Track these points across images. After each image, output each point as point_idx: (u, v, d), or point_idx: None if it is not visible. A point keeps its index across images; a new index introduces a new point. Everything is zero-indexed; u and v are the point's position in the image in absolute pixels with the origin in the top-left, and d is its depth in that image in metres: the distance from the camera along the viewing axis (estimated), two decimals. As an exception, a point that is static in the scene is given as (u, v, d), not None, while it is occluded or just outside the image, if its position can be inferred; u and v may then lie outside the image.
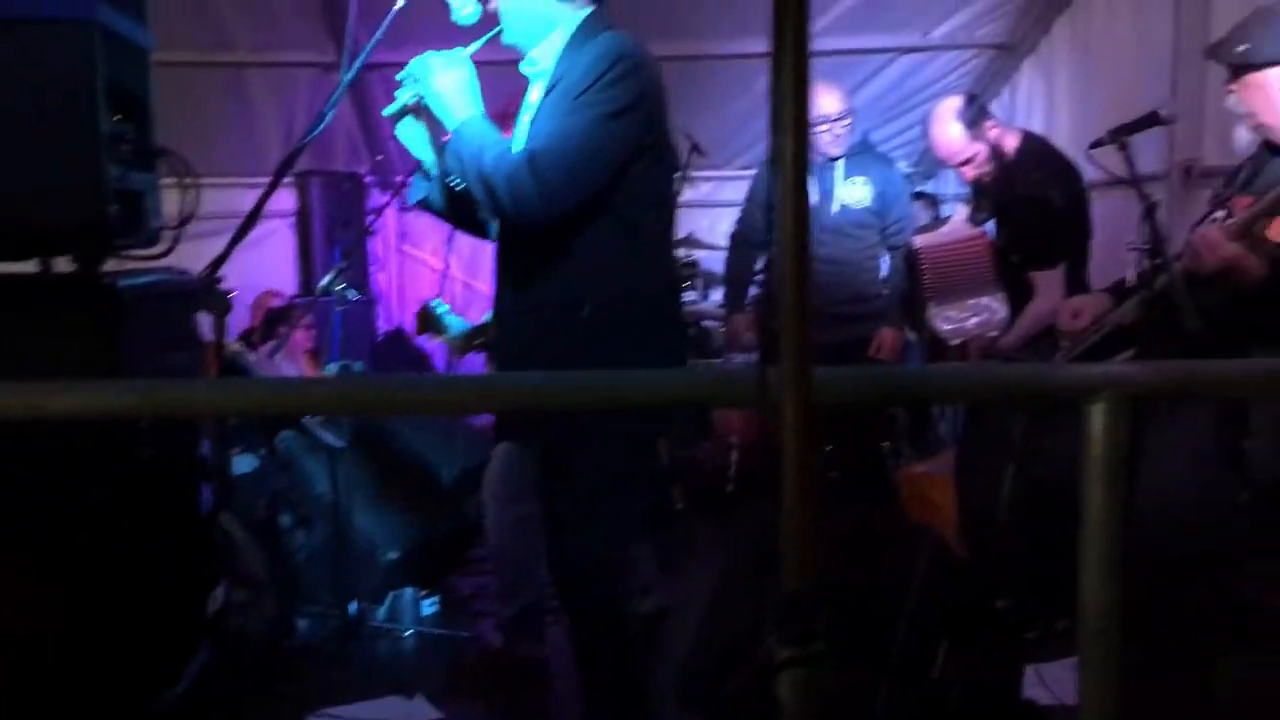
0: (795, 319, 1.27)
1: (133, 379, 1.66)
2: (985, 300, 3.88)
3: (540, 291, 2.38)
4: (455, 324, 3.38)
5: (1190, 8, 3.95)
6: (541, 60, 2.44)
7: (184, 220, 1.91)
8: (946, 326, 3.93)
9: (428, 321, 3.34)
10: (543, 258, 2.36)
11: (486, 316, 3.27)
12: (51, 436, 1.68)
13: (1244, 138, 2.59)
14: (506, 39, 2.46)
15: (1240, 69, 2.46)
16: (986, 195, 3.93)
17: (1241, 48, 2.45)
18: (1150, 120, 2.69)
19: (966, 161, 3.80)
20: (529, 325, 2.40)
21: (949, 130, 3.79)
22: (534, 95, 2.47)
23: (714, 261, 5.21)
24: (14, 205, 1.71)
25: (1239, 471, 2.29)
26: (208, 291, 2.19)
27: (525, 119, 2.46)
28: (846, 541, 3.93)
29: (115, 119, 1.79)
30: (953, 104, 3.84)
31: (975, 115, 3.78)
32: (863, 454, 4.53)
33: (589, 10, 2.42)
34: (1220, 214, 2.48)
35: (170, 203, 2.23)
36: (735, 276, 4.57)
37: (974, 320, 3.87)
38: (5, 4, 1.68)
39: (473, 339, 3.31)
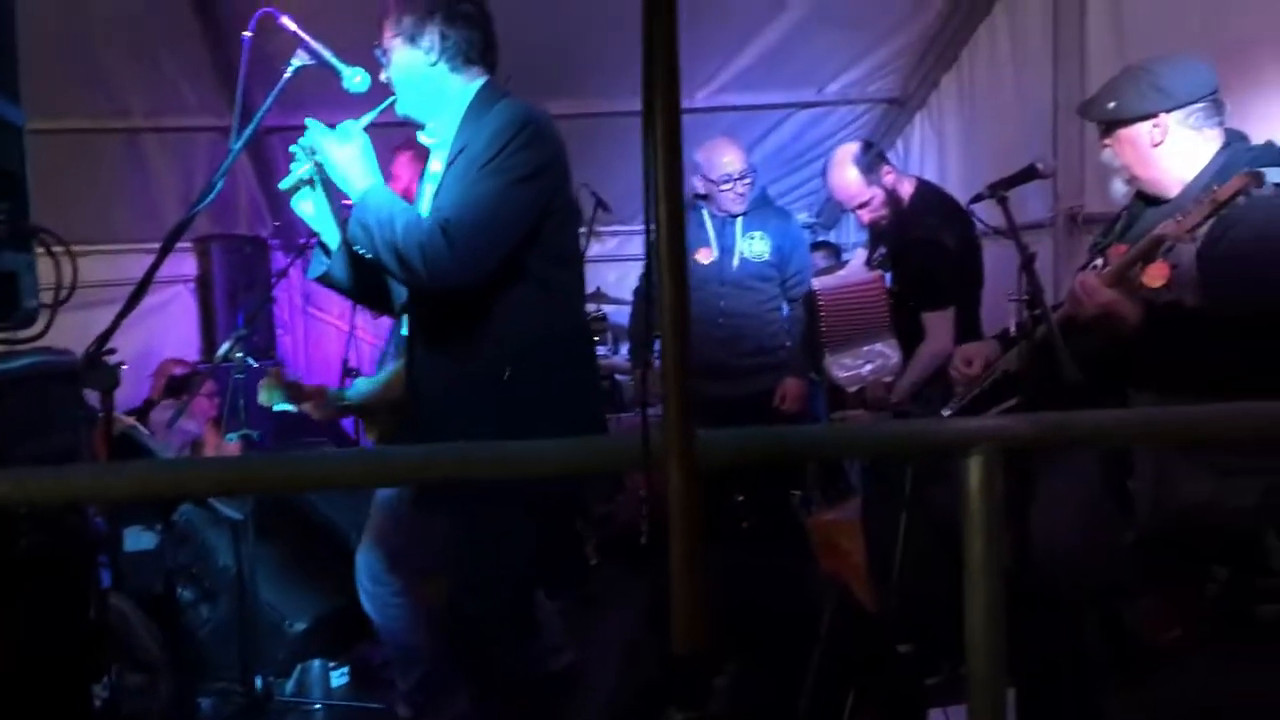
0: (677, 383, 1.29)
1: (4, 467, 1.61)
2: (879, 346, 3.97)
3: (458, 357, 2.38)
4: (362, 387, 3.32)
5: (1066, 64, 4.13)
6: (440, 131, 2.47)
7: (60, 300, 1.87)
8: (843, 374, 4.00)
9: (273, 391, 3.26)
10: (457, 323, 2.37)
11: (375, 380, 3.23)
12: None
13: (1121, 188, 2.68)
14: (401, 110, 2.48)
15: (1111, 125, 2.57)
16: (882, 239, 4.04)
17: (1111, 104, 2.55)
18: (1028, 174, 2.79)
19: (863, 205, 3.92)
20: (449, 391, 2.40)
21: (846, 174, 3.91)
22: (435, 165, 2.50)
23: (622, 315, 5.27)
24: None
25: (1125, 512, 2.36)
26: (92, 367, 2.14)
27: (429, 189, 2.49)
28: (757, 590, 3.96)
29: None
30: (850, 149, 3.96)
31: (872, 160, 3.89)
32: (774, 502, 4.58)
33: (482, 80, 2.46)
34: (1099, 262, 2.57)
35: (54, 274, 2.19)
36: (640, 332, 4.61)
37: (869, 367, 3.95)
38: None
39: (336, 402, 3.24)
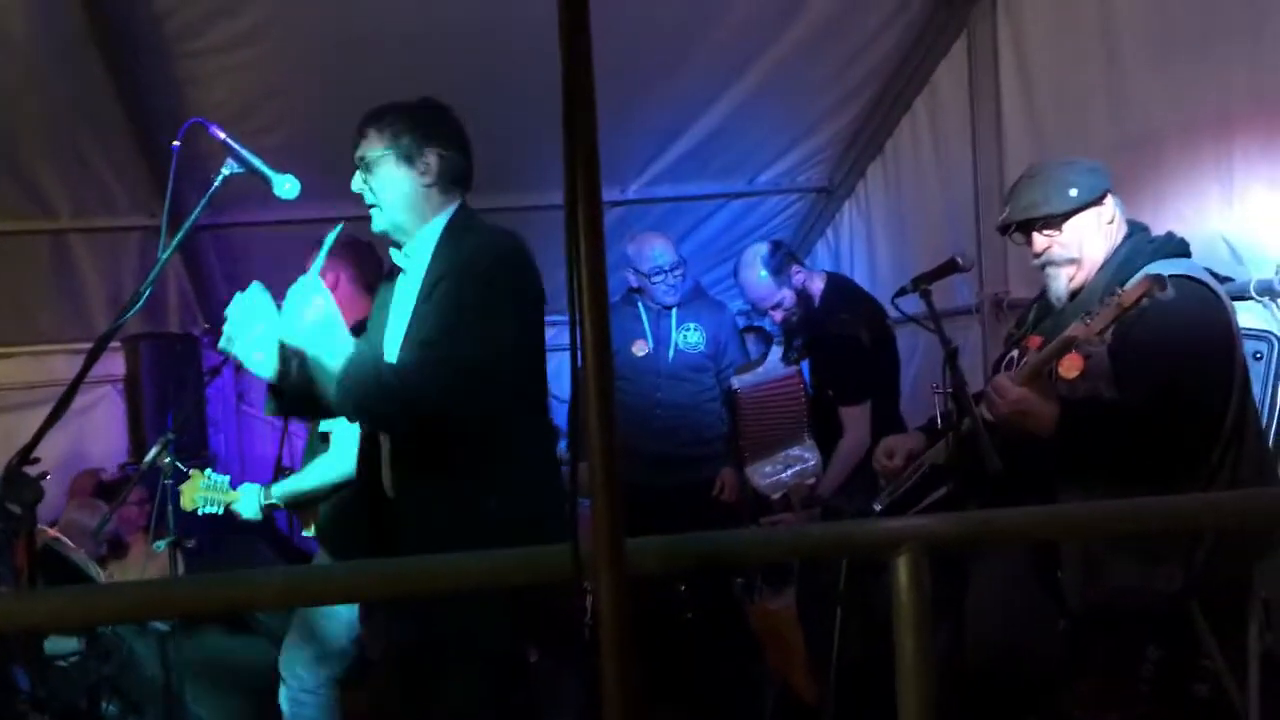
0: (606, 492, 1.29)
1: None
2: (796, 450, 4.02)
3: (440, 486, 2.33)
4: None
5: (985, 154, 4.27)
6: (416, 251, 2.43)
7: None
8: (764, 482, 4.04)
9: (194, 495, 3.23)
10: (440, 452, 2.31)
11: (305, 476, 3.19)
12: None
13: (1064, 283, 2.74)
14: (379, 227, 2.44)
15: (1074, 212, 2.61)
16: (796, 335, 4.11)
17: (1073, 191, 2.58)
18: (949, 268, 2.87)
19: (775, 306, 3.99)
20: (432, 515, 2.32)
21: (755, 276, 3.99)
22: (409, 284, 2.45)
23: (561, 415, 5.23)
24: None
25: (1055, 600, 2.39)
26: (13, 481, 2.10)
27: (402, 309, 2.44)
28: (700, 684, 3.92)
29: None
30: (760, 250, 4.04)
31: (780, 262, 3.97)
32: (716, 590, 4.56)
33: (458, 203, 2.45)
34: (1015, 353, 2.63)
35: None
36: (574, 429, 4.61)
37: (789, 471, 3.99)
38: None
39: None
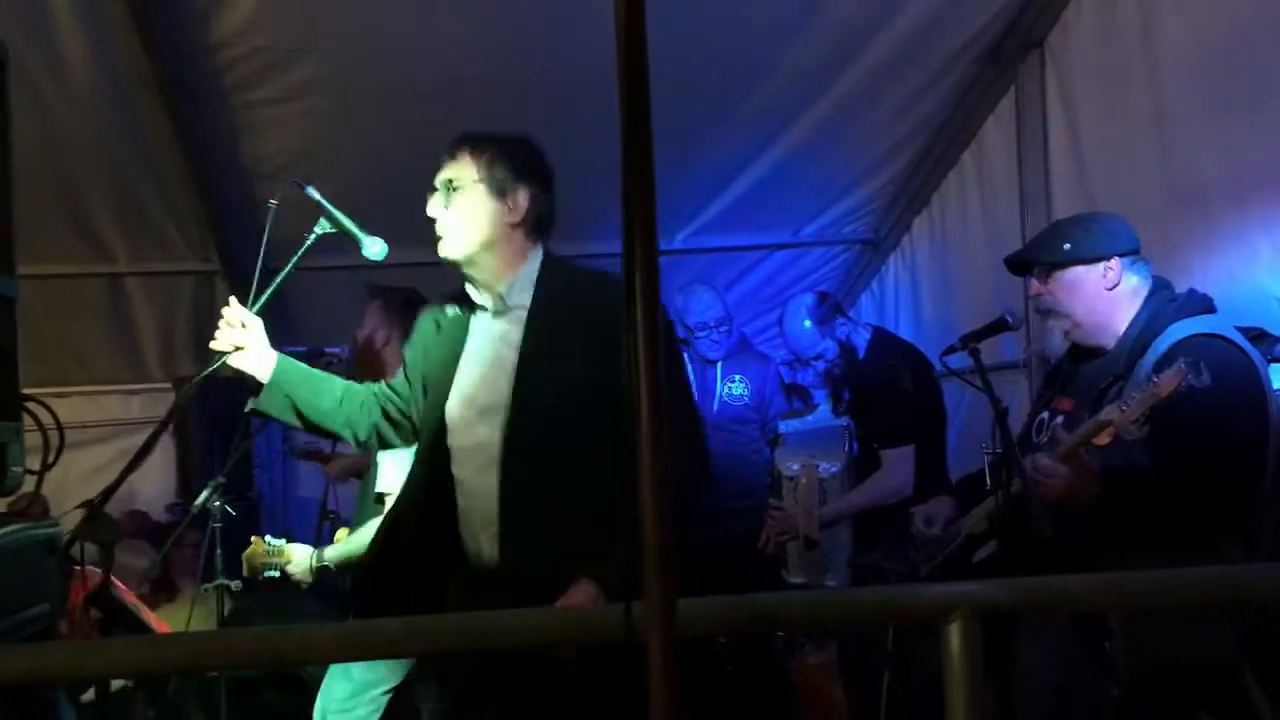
0: (658, 553, 1.30)
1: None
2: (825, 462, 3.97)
3: (557, 525, 2.22)
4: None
5: (1033, 209, 4.25)
6: (497, 290, 2.36)
7: (47, 466, 1.88)
8: (789, 470, 4.00)
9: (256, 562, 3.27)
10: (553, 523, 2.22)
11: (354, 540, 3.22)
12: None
13: (1059, 338, 2.74)
14: (448, 253, 2.33)
15: (1059, 266, 2.61)
16: (839, 387, 4.11)
17: (1066, 245, 2.60)
18: (998, 326, 2.86)
19: (817, 356, 3.99)
20: (545, 556, 2.20)
21: (800, 326, 3.99)
22: (494, 327, 2.38)
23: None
24: None
25: (1105, 669, 2.36)
26: (94, 520, 2.13)
27: (490, 349, 2.37)
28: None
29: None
30: (805, 300, 4.05)
31: (825, 313, 3.98)
32: (757, 645, 4.53)
33: (541, 247, 2.39)
34: (1045, 414, 2.63)
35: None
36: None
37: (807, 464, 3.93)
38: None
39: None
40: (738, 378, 4.39)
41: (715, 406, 4.36)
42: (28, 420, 1.87)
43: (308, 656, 1.58)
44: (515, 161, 2.34)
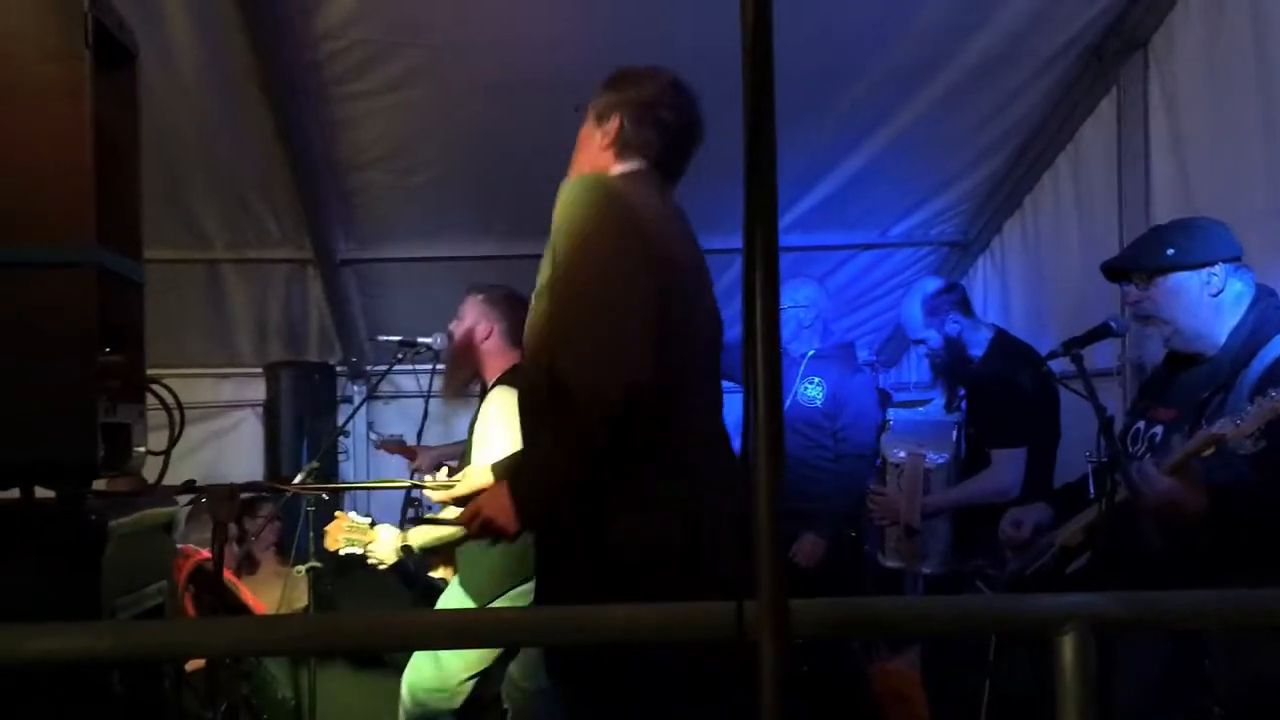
0: (771, 552, 1.30)
1: (112, 620, 1.65)
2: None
3: None
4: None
5: (1132, 213, 4.16)
6: None
7: (170, 447, 1.94)
8: (894, 457, 3.97)
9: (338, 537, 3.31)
10: None
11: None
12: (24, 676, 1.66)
13: (1159, 345, 2.70)
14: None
15: (1162, 271, 2.58)
16: (946, 380, 4.09)
17: (1170, 251, 2.57)
18: (1102, 332, 2.81)
19: (918, 341, 4.00)
20: None
21: (912, 307, 4.01)
22: None
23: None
24: (3, 436, 1.73)
25: (1204, 688, 2.31)
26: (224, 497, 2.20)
27: None
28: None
29: (107, 352, 1.83)
30: (926, 285, 4.07)
31: (938, 305, 3.96)
32: (833, 647, 4.49)
33: None
34: (1141, 424, 2.58)
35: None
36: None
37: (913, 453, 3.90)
38: (14, 248, 1.74)
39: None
40: (816, 380, 4.32)
41: (787, 404, 4.31)
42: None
43: (422, 642, 1.61)
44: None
